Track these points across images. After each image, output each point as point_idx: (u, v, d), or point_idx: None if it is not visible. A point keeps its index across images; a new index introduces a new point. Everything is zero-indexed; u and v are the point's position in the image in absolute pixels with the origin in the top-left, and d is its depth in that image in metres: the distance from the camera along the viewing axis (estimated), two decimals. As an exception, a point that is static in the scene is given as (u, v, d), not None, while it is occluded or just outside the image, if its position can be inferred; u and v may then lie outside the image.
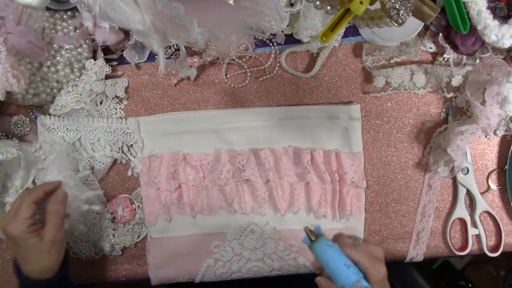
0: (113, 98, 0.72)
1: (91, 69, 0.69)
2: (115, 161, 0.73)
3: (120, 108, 0.73)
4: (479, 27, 0.63)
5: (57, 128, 0.69)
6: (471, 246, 0.73)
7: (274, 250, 0.72)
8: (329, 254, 0.52)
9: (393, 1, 0.47)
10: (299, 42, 0.71)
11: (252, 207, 0.72)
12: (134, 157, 0.73)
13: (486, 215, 0.74)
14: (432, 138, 0.72)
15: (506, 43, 0.64)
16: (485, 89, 0.67)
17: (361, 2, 0.46)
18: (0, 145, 0.69)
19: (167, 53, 0.71)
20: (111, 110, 0.72)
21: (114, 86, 0.71)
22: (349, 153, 0.72)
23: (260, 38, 0.70)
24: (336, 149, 0.71)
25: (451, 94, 0.71)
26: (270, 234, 0.72)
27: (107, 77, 0.71)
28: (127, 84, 0.73)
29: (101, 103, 0.72)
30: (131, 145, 0.72)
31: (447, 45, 0.68)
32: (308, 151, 0.70)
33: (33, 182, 0.72)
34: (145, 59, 0.72)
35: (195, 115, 0.72)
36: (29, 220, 0.59)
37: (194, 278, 0.73)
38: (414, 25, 0.68)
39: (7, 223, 0.59)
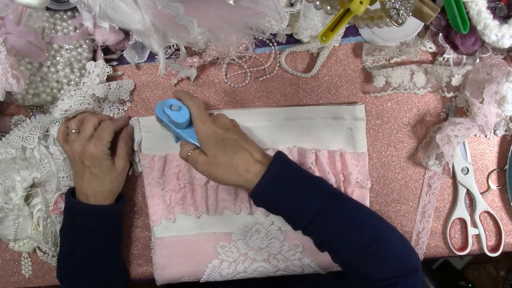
0: (116, 101, 0.72)
1: (92, 71, 0.68)
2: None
3: (122, 109, 0.73)
4: (479, 27, 0.63)
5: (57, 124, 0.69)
6: (471, 246, 0.73)
7: (279, 250, 0.72)
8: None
9: (393, 1, 0.47)
10: (299, 42, 0.71)
11: (257, 207, 0.72)
12: (132, 152, 0.73)
13: (486, 215, 0.74)
14: (429, 133, 0.72)
15: (506, 43, 0.64)
16: (485, 88, 0.67)
17: (361, 2, 0.46)
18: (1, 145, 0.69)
19: (167, 53, 0.71)
20: (114, 109, 0.72)
21: (119, 89, 0.71)
22: (353, 154, 0.71)
23: (260, 38, 0.70)
24: (341, 149, 0.71)
25: (451, 94, 0.71)
26: (275, 234, 0.72)
27: (108, 77, 0.71)
28: (134, 86, 0.73)
29: (104, 100, 0.71)
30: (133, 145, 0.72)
31: (447, 45, 0.68)
32: (312, 151, 0.70)
33: (33, 182, 0.72)
34: (145, 59, 0.72)
35: None
36: (109, 144, 0.66)
37: (199, 278, 0.73)
38: (414, 25, 0.68)
39: (86, 145, 0.64)
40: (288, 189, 0.58)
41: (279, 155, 0.61)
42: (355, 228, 0.58)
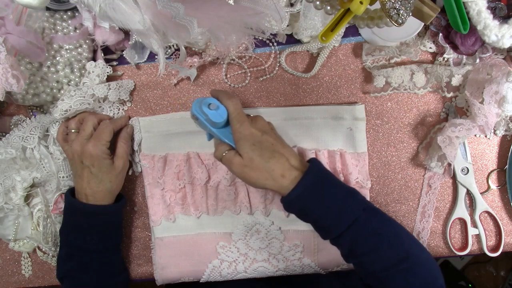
0: (116, 101, 0.72)
1: (92, 71, 0.68)
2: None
3: (122, 109, 0.73)
4: (479, 27, 0.63)
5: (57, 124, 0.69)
6: (471, 246, 0.73)
7: (279, 250, 0.72)
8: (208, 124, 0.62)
9: (393, 1, 0.47)
10: (299, 42, 0.71)
11: (256, 207, 0.72)
12: (132, 152, 0.72)
13: (486, 215, 0.74)
14: (429, 134, 0.72)
15: (506, 43, 0.64)
16: (485, 88, 0.67)
17: (361, 2, 0.46)
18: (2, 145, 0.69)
19: (167, 53, 0.71)
20: (114, 109, 0.72)
21: (118, 89, 0.71)
22: (353, 154, 0.72)
23: (260, 38, 0.70)
24: (341, 149, 0.71)
25: (451, 94, 0.71)
26: (275, 234, 0.72)
27: (108, 78, 0.71)
28: (134, 86, 0.73)
29: (104, 100, 0.71)
30: (133, 145, 0.72)
31: (447, 45, 0.68)
32: (312, 151, 0.70)
33: (33, 182, 0.72)
34: (145, 59, 0.72)
35: None
36: (108, 143, 0.66)
37: (199, 278, 0.74)
38: (414, 25, 0.68)
39: (86, 144, 0.65)
40: (323, 198, 0.58)
41: (316, 162, 0.60)
42: (388, 243, 0.58)
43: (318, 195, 0.57)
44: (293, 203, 0.58)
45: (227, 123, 0.62)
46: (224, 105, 0.62)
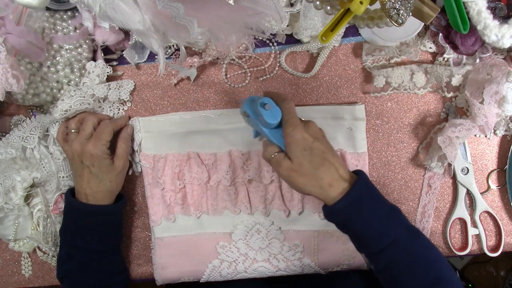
0: (116, 101, 0.72)
1: (92, 71, 0.68)
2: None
3: (123, 109, 0.73)
4: (479, 27, 0.63)
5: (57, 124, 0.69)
6: (471, 246, 0.73)
7: (279, 251, 0.72)
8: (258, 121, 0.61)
9: (393, 1, 0.47)
10: (299, 42, 0.71)
11: (256, 207, 0.72)
12: (132, 152, 0.72)
13: (486, 215, 0.74)
14: (430, 134, 0.72)
15: (506, 43, 0.64)
16: (485, 88, 0.67)
17: (361, 2, 0.46)
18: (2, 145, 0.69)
19: (167, 53, 0.71)
20: (114, 109, 0.72)
21: (118, 89, 0.71)
22: (353, 154, 0.72)
23: (260, 38, 0.70)
24: (341, 149, 0.71)
25: (451, 94, 0.71)
26: (275, 235, 0.72)
27: (108, 78, 0.71)
28: (134, 86, 0.73)
29: (104, 100, 0.71)
30: (133, 145, 0.72)
31: (447, 45, 0.68)
32: None
33: (33, 182, 0.72)
34: (145, 59, 0.72)
35: (199, 116, 0.72)
36: (108, 143, 0.67)
37: (199, 278, 0.74)
38: (414, 25, 0.68)
39: (85, 144, 0.65)
40: (368, 213, 0.57)
41: (363, 175, 0.60)
42: (424, 266, 0.57)
43: (363, 210, 0.57)
44: (337, 214, 0.58)
45: (279, 124, 0.61)
46: (279, 107, 0.61)
